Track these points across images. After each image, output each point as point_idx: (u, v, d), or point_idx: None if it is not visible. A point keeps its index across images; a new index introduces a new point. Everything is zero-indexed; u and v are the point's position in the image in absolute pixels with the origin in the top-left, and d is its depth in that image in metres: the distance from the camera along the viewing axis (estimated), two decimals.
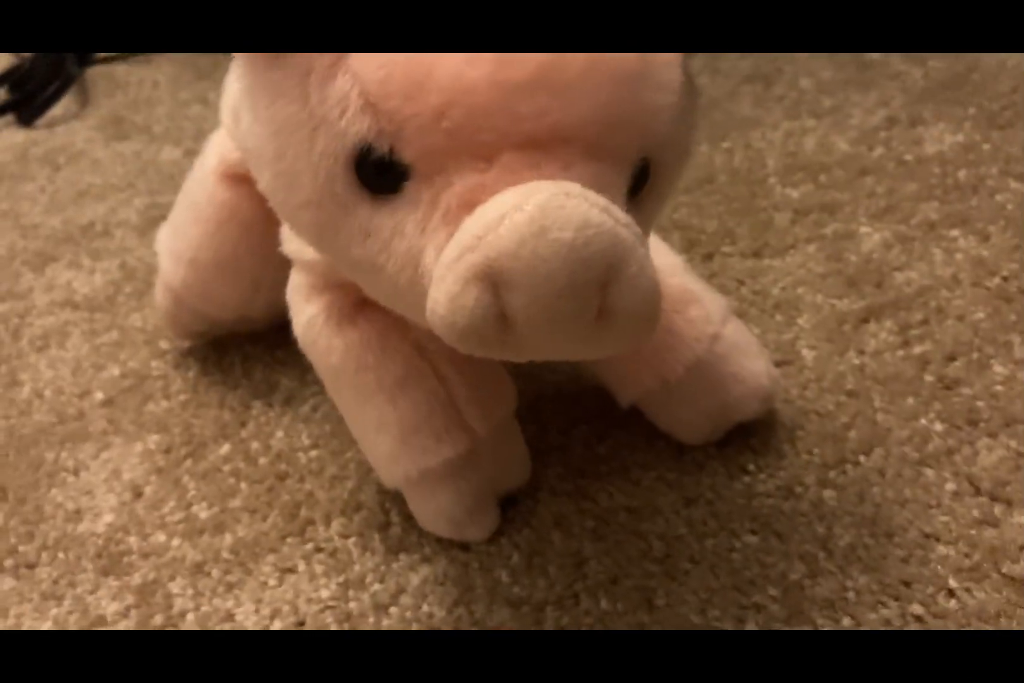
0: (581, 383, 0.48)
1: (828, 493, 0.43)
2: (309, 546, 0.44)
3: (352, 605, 0.41)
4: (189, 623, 0.41)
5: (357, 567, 0.42)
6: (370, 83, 0.29)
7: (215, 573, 0.43)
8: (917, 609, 0.38)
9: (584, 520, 0.43)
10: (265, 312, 0.52)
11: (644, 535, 0.42)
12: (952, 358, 0.49)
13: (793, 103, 0.74)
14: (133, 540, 0.45)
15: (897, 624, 0.37)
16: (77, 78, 0.93)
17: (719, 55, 0.81)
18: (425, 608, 0.40)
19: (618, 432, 0.47)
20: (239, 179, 0.47)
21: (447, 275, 0.28)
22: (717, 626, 0.38)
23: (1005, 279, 0.53)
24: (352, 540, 0.44)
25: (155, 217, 0.70)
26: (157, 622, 0.41)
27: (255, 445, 0.50)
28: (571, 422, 0.48)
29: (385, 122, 0.29)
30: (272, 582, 0.42)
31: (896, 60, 0.77)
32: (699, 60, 0.79)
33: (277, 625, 0.40)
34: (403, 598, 0.41)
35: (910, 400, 0.47)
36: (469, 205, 0.28)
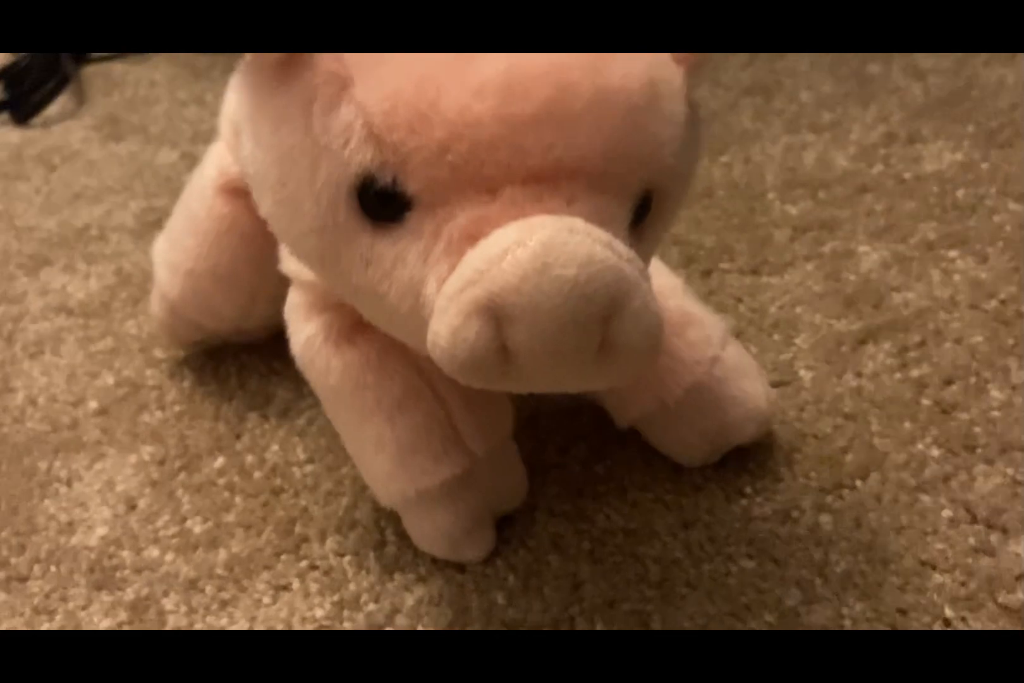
0: (579, 403, 0.48)
1: (824, 518, 0.43)
2: (304, 563, 0.44)
3: (347, 625, 0.41)
4: None
5: (352, 586, 0.42)
6: (375, 114, 0.28)
7: (209, 590, 0.43)
8: None
9: (581, 541, 0.43)
10: (262, 324, 0.52)
11: (641, 558, 0.42)
12: (950, 382, 0.49)
13: (793, 117, 0.73)
14: (126, 554, 0.45)
15: None
16: (73, 77, 0.92)
17: (719, 67, 0.80)
18: (420, 629, 0.40)
19: (616, 451, 0.47)
20: (238, 193, 0.47)
21: (449, 307, 0.28)
22: None
23: (1003, 302, 0.53)
24: (347, 558, 0.44)
25: (151, 221, 0.69)
26: None
27: (250, 458, 0.49)
28: (569, 441, 0.48)
29: (389, 154, 0.29)
30: (266, 600, 0.42)
31: (896, 75, 0.77)
32: None
33: None
34: (398, 619, 0.41)
35: (907, 424, 0.47)
36: (472, 237, 0.28)
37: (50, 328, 0.60)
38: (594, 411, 0.47)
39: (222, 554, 0.45)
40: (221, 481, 0.48)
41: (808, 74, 0.79)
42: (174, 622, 0.41)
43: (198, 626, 0.41)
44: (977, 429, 0.46)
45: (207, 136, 0.51)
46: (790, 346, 0.52)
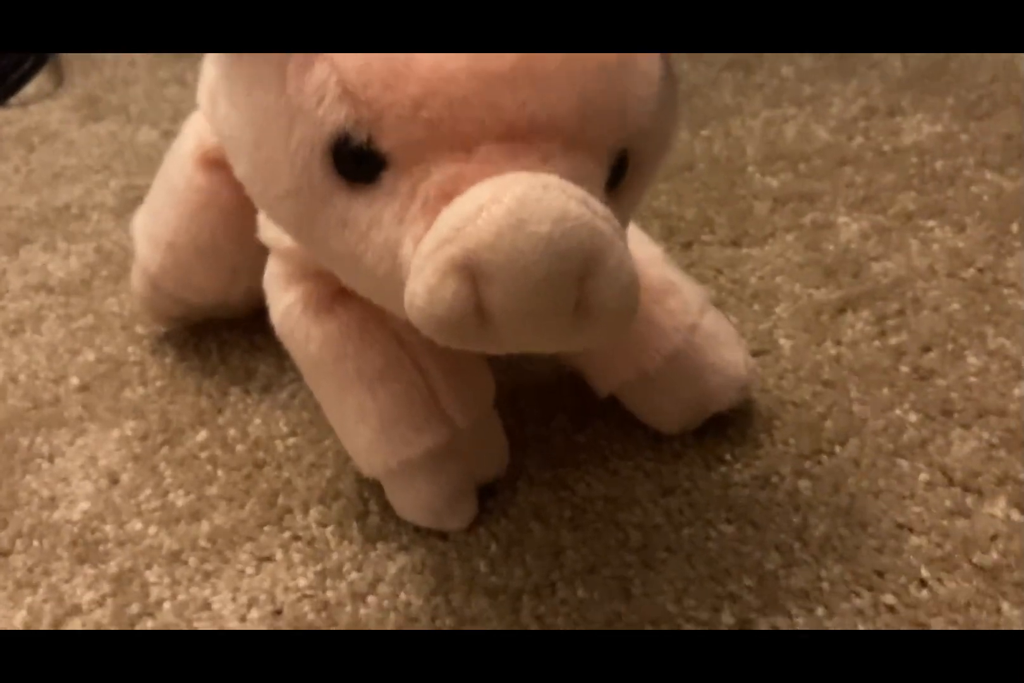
0: (560, 372, 0.48)
1: (804, 483, 0.43)
2: (287, 534, 0.44)
3: (329, 594, 0.41)
4: (166, 612, 0.41)
5: (335, 556, 0.42)
6: (348, 71, 0.28)
7: (192, 561, 0.43)
8: (889, 599, 0.38)
9: (562, 510, 0.43)
10: (244, 298, 0.52)
11: (621, 525, 0.42)
12: (927, 349, 0.49)
13: (774, 91, 0.73)
14: (109, 528, 0.45)
15: (869, 614, 0.38)
16: (51, 57, 0.92)
17: None
18: (403, 597, 0.40)
19: (596, 421, 0.47)
20: (218, 164, 0.46)
21: (425, 266, 0.28)
22: (693, 615, 0.38)
23: (980, 270, 0.53)
24: (330, 529, 0.44)
25: (132, 199, 0.69)
26: (133, 611, 0.41)
27: (232, 432, 0.49)
28: (550, 411, 0.48)
29: (363, 111, 0.28)
30: (249, 570, 0.42)
31: None
32: None
33: (254, 614, 0.40)
34: (381, 587, 0.41)
35: (885, 391, 0.47)
36: (447, 196, 0.28)
37: (30, 306, 0.60)
38: (575, 382, 0.47)
39: (205, 526, 0.45)
40: (203, 455, 0.48)
41: None
42: (157, 594, 0.42)
43: (181, 597, 0.41)
44: (954, 394, 0.46)
45: (188, 115, 0.51)
46: (770, 316, 0.52)
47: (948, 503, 0.41)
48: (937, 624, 0.37)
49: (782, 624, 0.38)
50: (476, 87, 0.28)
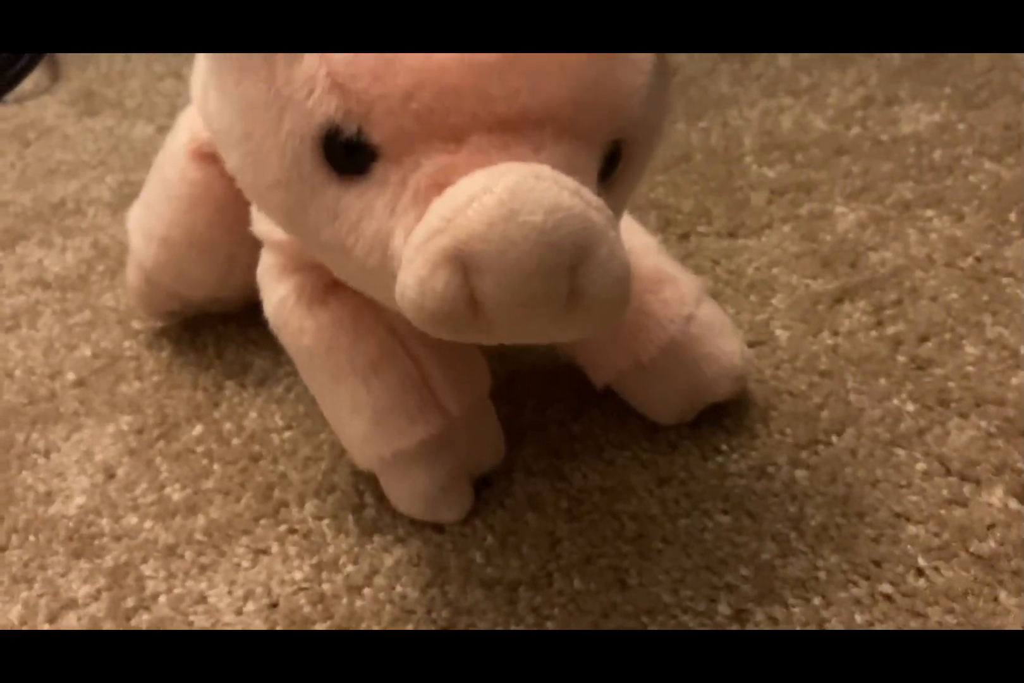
0: (556, 362, 0.48)
1: (800, 473, 0.43)
2: (282, 528, 0.44)
3: (326, 587, 0.41)
4: (161, 605, 0.41)
5: (331, 548, 0.42)
6: (338, 63, 0.28)
7: (188, 555, 0.43)
8: (887, 588, 0.38)
9: (558, 500, 0.43)
10: (240, 292, 0.51)
11: (617, 515, 0.42)
12: (925, 338, 0.49)
13: (771, 81, 0.73)
14: (105, 522, 0.45)
15: (867, 603, 0.37)
16: (47, 52, 0.91)
17: None
18: (399, 589, 0.40)
19: (593, 411, 0.47)
20: (211, 158, 0.46)
21: (416, 258, 0.27)
22: (689, 606, 0.38)
23: (978, 259, 0.53)
24: (326, 522, 0.44)
25: (128, 195, 0.69)
26: (129, 605, 0.41)
27: (228, 426, 0.49)
28: (546, 401, 0.48)
29: (353, 103, 0.28)
30: (245, 564, 0.42)
31: None
32: None
33: (250, 607, 0.40)
34: (377, 579, 0.41)
35: (882, 380, 0.47)
36: (438, 186, 0.28)
37: (26, 302, 0.60)
38: (571, 371, 0.47)
39: (201, 520, 0.44)
40: (199, 449, 0.48)
41: None
42: (153, 587, 0.41)
43: (177, 591, 0.41)
44: (952, 384, 0.46)
45: (184, 109, 0.51)
46: (766, 307, 0.52)
47: (945, 492, 0.41)
48: (934, 614, 0.37)
49: (779, 614, 0.37)
50: (466, 77, 0.27)
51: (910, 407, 0.45)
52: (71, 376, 0.54)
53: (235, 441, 0.48)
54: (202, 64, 0.34)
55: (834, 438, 0.44)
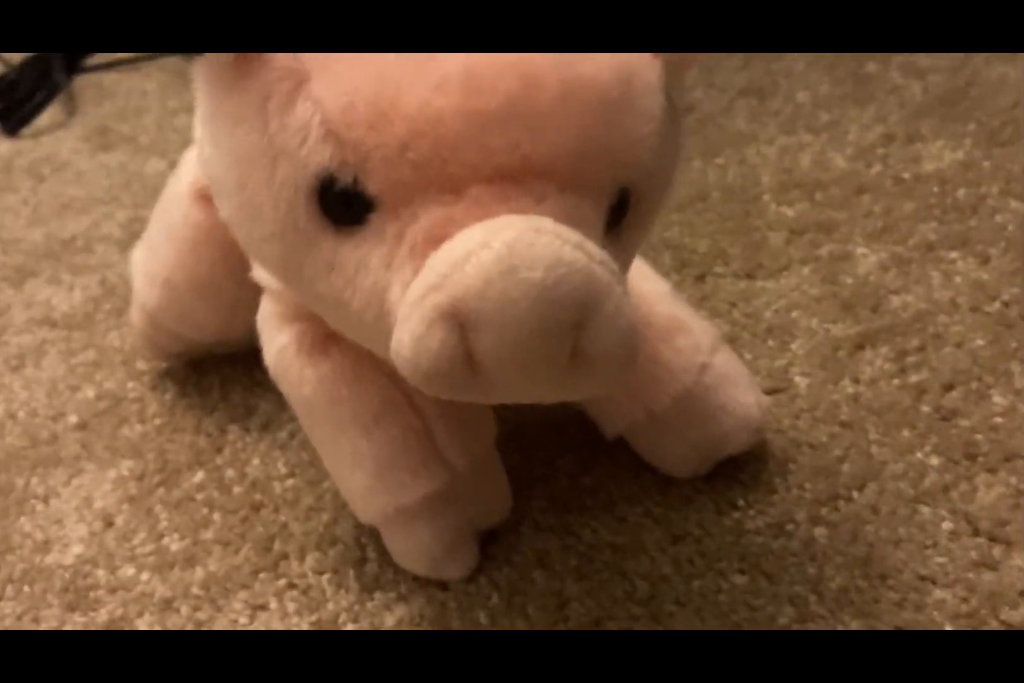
0: (566, 411, 0.46)
1: (819, 531, 0.41)
2: (282, 582, 0.42)
3: None
4: None
5: (331, 605, 0.41)
6: (332, 111, 0.27)
7: (184, 610, 0.42)
8: None
9: (567, 558, 0.42)
10: (244, 334, 0.50)
11: (628, 574, 0.40)
12: (950, 387, 0.47)
13: (789, 118, 0.72)
14: (101, 573, 0.44)
15: None
16: (65, 87, 0.92)
17: (714, 69, 0.79)
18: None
19: (604, 462, 0.46)
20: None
21: (412, 314, 0.26)
22: None
23: (1006, 304, 0.51)
24: (326, 576, 0.42)
25: (137, 231, 0.68)
26: None
27: (230, 473, 0.48)
28: (556, 451, 0.47)
29: (348, 152, 0.27)
30: (243, 620, 0.41)
31: (894, 74, 0.75)
32: (692, 74, 0.78)
33: None
34: None
35: (905, 432, 0.45)
36: (436, 240, 0.27)
37: (33, 341, 0.59)
38: (582, 422, 0.45)
39: (199, 573, 0.43)
40: (200, 497, 0.47)
41: (805, 74, 0.77)
42: None
43: None
44: (978, 436, 0.44)
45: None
46: (785, 352, 0.51)
47: (973, 554, 0.39)
48: None
49: None
50: (465, 128, 0.26)
51: (934, 461, 0.44)
52: (73, 418, 0.53)
53: (236, 489, 0.47)
54: (198, 111, 0.33)
55: (855, 494, 0.43)
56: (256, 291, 0.42)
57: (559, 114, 0.27)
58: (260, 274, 0.40)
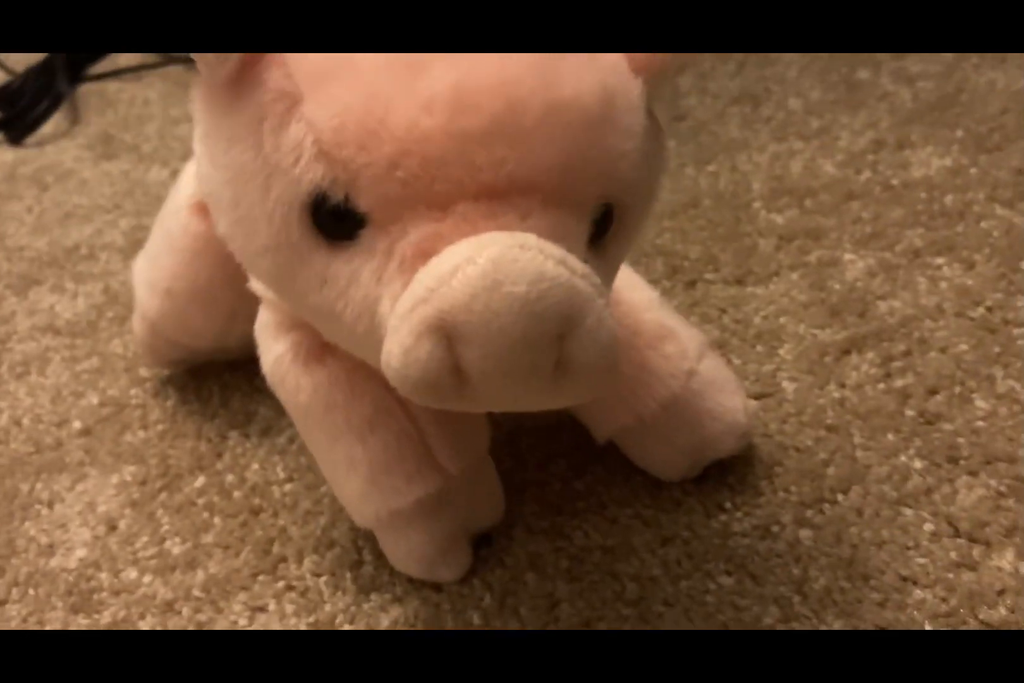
0: (557, 417, 0.47)
1: (804, 533, 0.42)
2: (280, 584, 0.43)
3: None
4: None
5: (328, 607, 0.42)
6: (324, 131, 0.28)
7: (185, 612, 0.43)
8: None
9: (559, 560, 0.43)
10: (243, 342, 0.51)
11: (618, 576, 0.41)
12: (934, 392, 0.48)
13: (781, 124, 0.73)
14: (104, 576, 0.45)
15: None
16: (68, 96, 0.93)
17: (707, 76, 0.80)
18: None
19: (596, 467, 0.47)
20: None
21: (400, 326, 0.27)
22: None
23: (989, 309, 0.52)
24: (324, 579, 0.43)
25: (140, 239, 0.69)
26: None
27: (230, 478, 0.49)
28: (548, 457, 0.48)
29: (339, 171, 0.28)
30: (242, 621, 0.42)
31: (885, 80, 0.76)
32: (686, 81, 0.79)
33: None
34: None
35: (890, 436, 0.46)
36: (424, 255, 0.28)
37: (36, 348, 0.60)
38: (573, 427, 0.46)
39: (200, 575, 0.44)
40: (201, 501, 0.48)
41: (797, 81, 0.78)
42: None
43: None
44: (961, 440, 0.45)
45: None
46: (773, 357, 0.52)
47: (954, 555, 0.40)
48: None
49: None
50: (451, 146, 0.27)
51: (918, 464, 0.44)
52: (77, 424, 0.54)
53: (236, 493, 0.48)
54: (196, 131, 0.34)
55: (840, 497, 0.44)
56: (254, 301, 0.43)
57: (543, 133, 0.28)
58: (257, 285, 0.41)
